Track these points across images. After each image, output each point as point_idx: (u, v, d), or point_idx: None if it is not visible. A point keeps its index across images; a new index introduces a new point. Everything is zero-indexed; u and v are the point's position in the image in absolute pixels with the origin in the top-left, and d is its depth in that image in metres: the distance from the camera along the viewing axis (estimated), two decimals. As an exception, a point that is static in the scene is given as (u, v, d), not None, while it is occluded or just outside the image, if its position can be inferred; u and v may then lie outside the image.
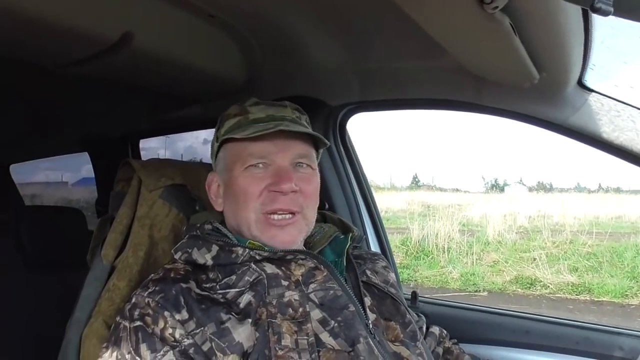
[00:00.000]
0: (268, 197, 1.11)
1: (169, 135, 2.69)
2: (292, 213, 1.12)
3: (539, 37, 0.98)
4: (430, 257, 9.78)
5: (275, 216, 1.11)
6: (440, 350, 1.36)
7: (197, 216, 1.27)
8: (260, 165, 1.12)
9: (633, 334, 1.40)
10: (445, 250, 9.85)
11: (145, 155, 2.74)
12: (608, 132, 1.25)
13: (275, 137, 1.10)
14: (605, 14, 0.52)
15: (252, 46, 1.51)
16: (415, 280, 8.88)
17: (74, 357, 1.12)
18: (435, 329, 1.39)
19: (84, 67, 1.36)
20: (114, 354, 0.98)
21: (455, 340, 1.42)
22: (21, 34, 1.15)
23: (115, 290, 1.16)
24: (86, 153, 2.89)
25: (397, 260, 9.52)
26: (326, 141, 1.17)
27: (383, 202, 15.34)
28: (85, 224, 2.20)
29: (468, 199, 16.49)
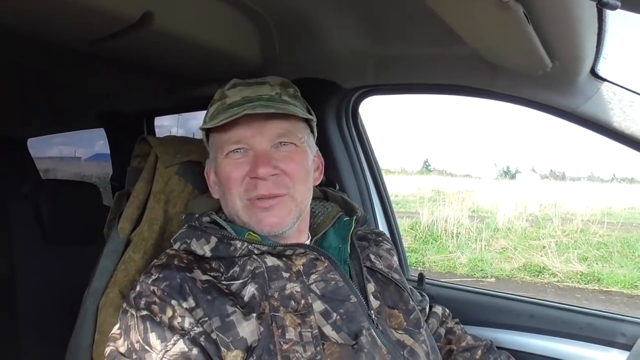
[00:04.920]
0: (250, 183, 1.08)
1: (181, 114, 2.72)
2: (278, 196, 1.09)
3: (551, 26, 0.98)
4: (439, 242, 9.78)
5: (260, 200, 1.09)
6: (442, 330, 1.38)
7: (196, 202, 1.26)
8: (241, 150, 1.09)
9: (636, 320, 1.41)
10: (454, 236, 9.84)
11: (158, 133, 2.77)
12: (619, 121, 1.25)
13: (251, 120, 1.07)
14: (612, 8, 0.54)
15: (269, 27, 1.52)
16: (423, 264, 8.90)
17: (91, 325, 1.16)
18: (438, 309, 1.41)
19: (104, 46, 1.38)
20: (126, 342, 0.98)
21: (458, 320, 1.44)
22: (42, 12, 1.16)
23: (130, 262, 1.20)
24: (100, 129, 2.94)
25: (405, 244, 9.52)
26: (306, 114, 1.14)
27: (393, 186, 15.32)
28: (100, 199, 2.25)
29: (479, 185, 16.41)
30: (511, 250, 9.12)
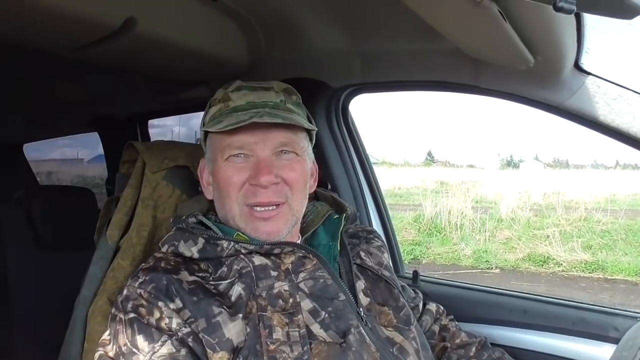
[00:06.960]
0: (250, 190, 1.09)
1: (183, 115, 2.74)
2: (276, 205, 1.10)
3: (529, 23, 0.98)
4: (443, 234, 9.77)
5: (258, 208, 1.09)
6: (436, 327, 1.38)
7: (184, 206, 1.26)
8: (241, 155, 1.10)
9: (628, 314, 1.40)
10: (458, 227, 9.83)
11: (160, 132, 2.79)
12: (604, 114, 1.25)
13: (255, 127, 1.06)
14: (568, 12, 0.54)
15: (255, 29, 1.53)
16: (428, 257, 8.90)
17: (80, 334, 1.17)
18: (432, 306, 1.41)
19: (89, 53, 1.38)
20: (114, 346, 0.99)
21: (452, 317, 1.44)
22: (28, 20, 1.16)
23: (119, 269, 1.20)
24: (100, 132, 2.95)
25: (410, 237, 9.55)
26: (310, 125, 1.14)
27: (396, 178, 15.30)
28: (95, 203, 2.25)
29: (483, 175, 16.38)
30: (515, 240, 9.11)
